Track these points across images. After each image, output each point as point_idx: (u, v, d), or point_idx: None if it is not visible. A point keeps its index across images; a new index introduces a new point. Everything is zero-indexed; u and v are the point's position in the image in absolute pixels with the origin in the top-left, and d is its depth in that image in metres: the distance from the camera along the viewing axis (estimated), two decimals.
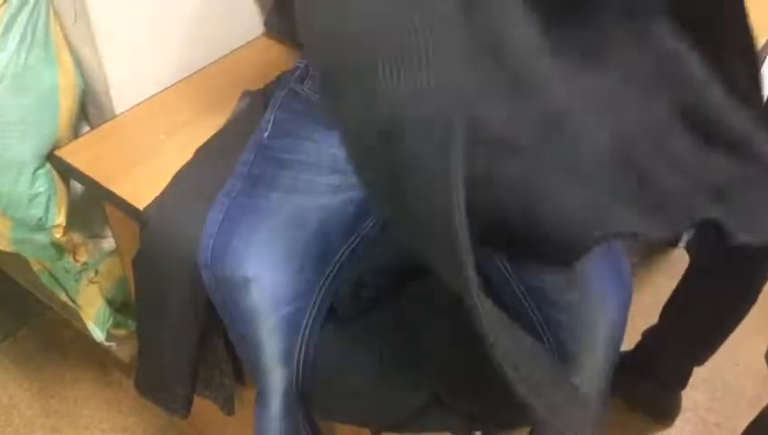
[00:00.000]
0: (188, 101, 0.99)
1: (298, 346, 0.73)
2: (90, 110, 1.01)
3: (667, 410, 1.43)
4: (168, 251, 0.79)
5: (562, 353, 0.72)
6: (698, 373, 1.53)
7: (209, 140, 0.90)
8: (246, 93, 0.98)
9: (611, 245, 0.79)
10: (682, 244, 1.59)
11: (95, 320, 1.14)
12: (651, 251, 1.72)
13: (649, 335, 1.35)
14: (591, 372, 0.74)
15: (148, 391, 0.91)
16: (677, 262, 1.71)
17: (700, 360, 1.32)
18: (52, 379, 1.44)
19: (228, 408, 0.92)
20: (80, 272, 1.06)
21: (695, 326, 1.26)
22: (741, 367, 1.52)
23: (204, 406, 0.92)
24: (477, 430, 0.75)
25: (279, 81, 0.97)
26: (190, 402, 0.88)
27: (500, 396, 0.51)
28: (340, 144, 0.52)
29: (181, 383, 0.86)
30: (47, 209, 0.93)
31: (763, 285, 1.17)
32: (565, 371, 0.68)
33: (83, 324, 1.15)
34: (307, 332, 0.72)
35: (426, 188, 0.46)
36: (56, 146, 0.93)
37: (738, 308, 1.20)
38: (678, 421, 1.45)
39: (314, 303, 0.75)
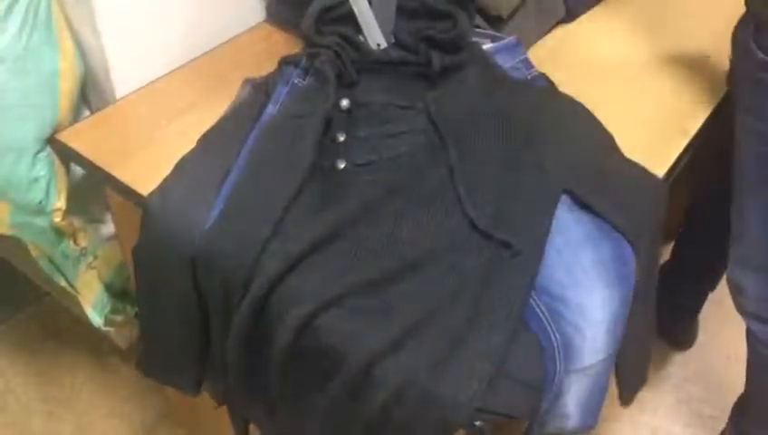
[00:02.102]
0: (189, 86, 0.99)
1: None
2: (90, 94, 1.00)
3: (683, 336, 1.56)
4: (170, 240, 0.79)
5: (567, 346, 0.72)
6: (692, 367, 1.55)
7: (211, 129, 0.90)
8: (248, 82, 0.97)
9: (618, 242, 0.80)
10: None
11: (93, 306, 1.14)
12: None
13: (665, 268, 1.45)
14: (593, 364, 0.75)
15: (155, 372, 0.91)
16: None
17: (713, 284, 1.43)
18: (49, 364, 1.44)
19: (222, 396, 0.92)
20: (78, 257, 1.06)
21: (704, 252, 1.36)
22: (734, 360, 1.53)
23: (201, 392, 0.92)
24: None
25: (281, 72, 0.96)
26: (200, 381, 0.88)
27: None
28: None
29: (191, 364, 0.86)
30: (47, 193, 0.93)
31: None
32: None
33: (81, 310, 1.14)
34: None
35: None
36: (56, 130, 0.93)
37: None
38: (673, 414, 1.46)
39: None
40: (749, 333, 1.10)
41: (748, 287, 1.03)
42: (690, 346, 1.58)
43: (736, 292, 1.05)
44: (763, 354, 1.08)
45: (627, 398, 0.91)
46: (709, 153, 1.22)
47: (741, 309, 1.07)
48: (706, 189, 1.30)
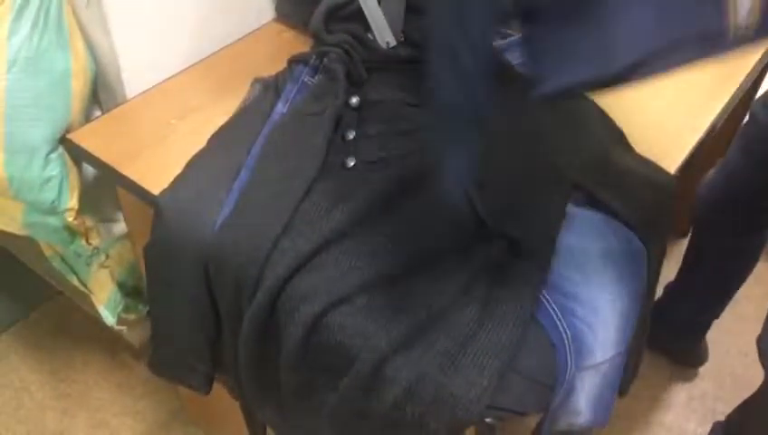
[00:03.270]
0: (200, 85, 0.99)
1: None
2: (101, 94, 1.01)
3: (688, 357, 1.54)
4: (181, 238, 0.79)
5: (578, 344, 0.72)
6: (706, 364, 1.53)
7: (222, 128, 0.90)
8: (258, 80, 0.98)
9: (629, 238, 0.79)
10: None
11: (106, 304, 1.15)
12: None
13: (669, 290, 1.48)
14: (604, 361, 0.74)
15: (167, 370, 0.92)
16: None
17: (716, 313, 1.43)
18: (62, 362, 1.45)
19: (237, 392, 0.93)
20: (91, 256, 1.07)
21: (706, 281, 1.37)
22: (749, 357, 1.52)
23: (214, 390, 0.92)
24: None
25: (291, 71, 0.97)
26: (212, 380, 0.89)
27: None
28: None
29: (202, 363, 0.87)
30: (60, 193, 0.94)
31: (764, 240, 1.28)
32: None
33: (94, 309, 1.15)
34: None
35: None
36: (68, 130, 0.93)
37: (742, 265, 1.32)
38: (686, 411, 1.45)
39: None
40: None
41: None
42: (701, 366, 1.54)
43: (764, 356, 1.07)
44: None
45: (623, 391, 0.91)
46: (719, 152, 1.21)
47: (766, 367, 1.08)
48: (714, 201, 1.29)
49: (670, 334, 1.50)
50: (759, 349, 1.07)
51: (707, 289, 1.38)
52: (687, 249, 1.40)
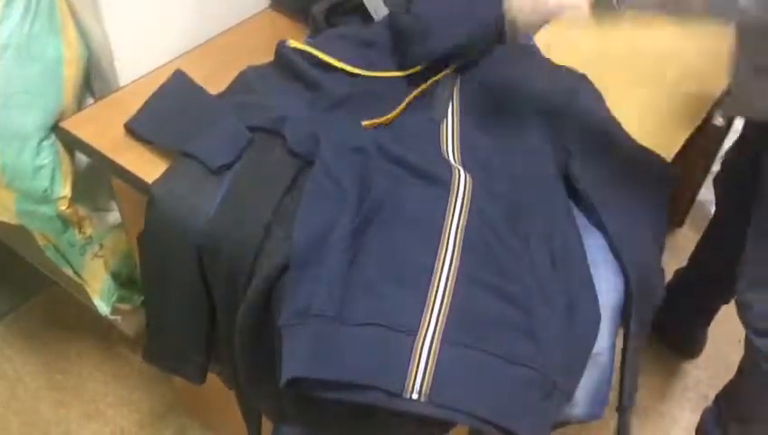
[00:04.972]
0: (193, 73, 0.98)
1: None
2: (94, 81, 1.00)
3: (690, 345, 1.53)
4: (175, 227, 0.79)
5: None
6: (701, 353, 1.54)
7: None
8: (250, 68, 0.97)
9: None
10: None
11: (100, 294, 1.14)
12: None
13: (680, 274, 1.46)
14: (600, 351, 0.75)
15: (161, 360, 0.92)
16: (683, 241, 1.71)
17: (726, 299, 1.41)
18: (57, 353, 1.45)
19: (232, 382, 0.93)
20: (84, 246, 1.06)
21: (721, 266, 1.32)
22: (741, 345, 1.52)
23: (209, 381, 0.92)
24: None
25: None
26: (206, 370, 0.88)
27: None
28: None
29: (197, 353, 0.86)
30: (52, 181, 0.93)
31: None
32: None
33: (88, 299, 1.15)
34: None
35: None
36: (61, 117, 0.93)
37: None
38: (680, 399, 1.46)
39: None
40: (751, 346, 1.09)
41: (757, 305, 1.04)
42: (698, 354, 1.54)
43: (744, 308, 1.06)
44: (764, 369, 1.07)
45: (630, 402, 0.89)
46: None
47: (747, 324, 1.07)
48: (729, 193, 1.28)
49: (679, 320, 1.49)
50: (738, 303, 1.06)
51: (727, 271, 1.37)
52: (707, 230, 1.38)
